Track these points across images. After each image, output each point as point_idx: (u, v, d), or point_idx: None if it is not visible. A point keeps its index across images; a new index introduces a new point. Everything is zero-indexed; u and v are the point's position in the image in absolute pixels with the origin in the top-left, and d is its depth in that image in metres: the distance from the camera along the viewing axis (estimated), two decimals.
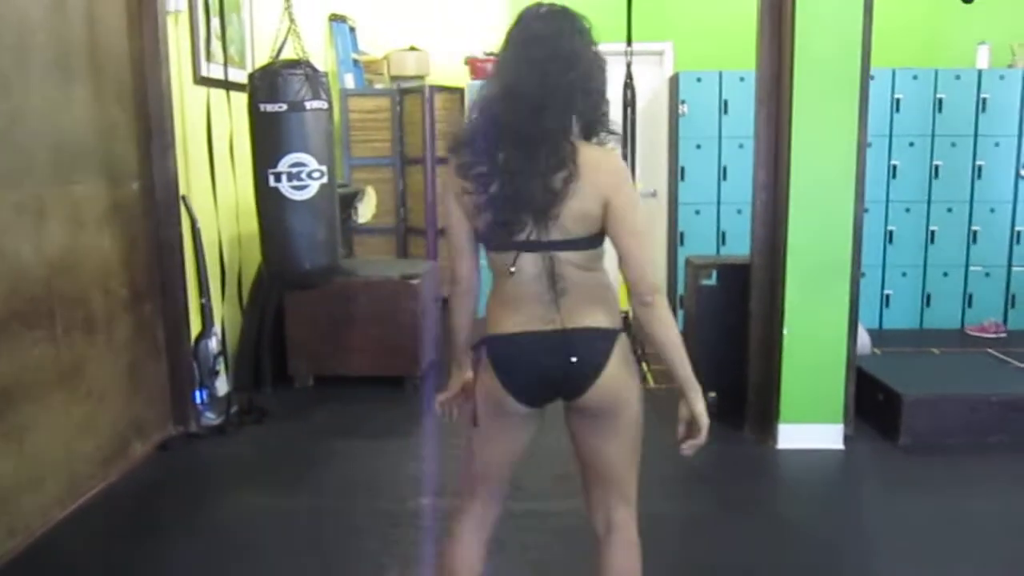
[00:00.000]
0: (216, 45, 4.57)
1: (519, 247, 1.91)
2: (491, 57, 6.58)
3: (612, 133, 1.94)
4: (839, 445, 3.95)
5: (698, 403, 1.94)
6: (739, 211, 5.84)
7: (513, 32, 1.93)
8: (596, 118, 1.91)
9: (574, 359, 1.91)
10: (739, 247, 4.21)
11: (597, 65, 1.92)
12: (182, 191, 4.18)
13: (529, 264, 1.92)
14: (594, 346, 1.93)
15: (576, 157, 1.84)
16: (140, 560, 3.02)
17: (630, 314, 2.04)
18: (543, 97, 1.83)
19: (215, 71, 4.52)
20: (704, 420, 1.95)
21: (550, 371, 1.94)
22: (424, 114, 6.57)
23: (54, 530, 3.20)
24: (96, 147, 3.61)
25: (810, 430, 3.94)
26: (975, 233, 6.20)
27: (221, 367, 4.51)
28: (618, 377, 1.95)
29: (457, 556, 2.17)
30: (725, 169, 6.11)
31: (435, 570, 2.24)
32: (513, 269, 1.92)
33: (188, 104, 4.34)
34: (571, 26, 1.90)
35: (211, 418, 4.28)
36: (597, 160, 1.87)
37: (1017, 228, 6.18)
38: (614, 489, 2.09)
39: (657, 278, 1.93)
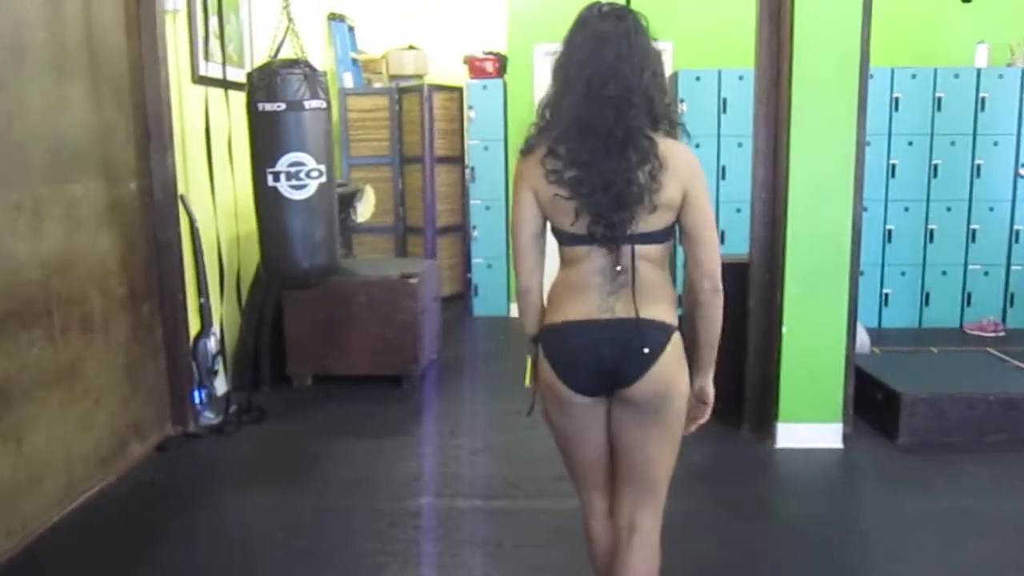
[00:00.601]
0: (214, 44, 4.56)
1: (598, 242, 1.95)
2: (490, 56, 6.59)
3: (678, 124, 2.00)
4: (838, 444, 3.95)
5: (710, 382, 2.09)
6: (738, 210, 5.83)
7: (576, 33, 1.96)
8: (665, 112, 1.96)
9: (637, 342, 1.93)
10: (738, 246, 4.21)
11: (659, 60, 1.99)
12: (180, 191, 4.18)
13: (600, 257, 1.97)
14: (650, 336, 1.94)
15: (657, 151, 1.90)
16: (138, 561, 3.01)
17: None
18: (627, 97, 1.89)
19: (213, 70, 4.51)
20: (712, 396, 2.09)
21: (604, 356, 1.95)
22: (423, 113, 6.56)
23: (52, 530, 3.20)
24: (93, 147, 3.61)
25: (809, 429, 3.94)
26: (974, 232, 6.20)
27: (220, 367, 4.51)
28: (670, 370, 1.97)
29: (605, 555, 2.20)
30: (724, 168, 6.10)
31: (595, 567, 2.27)
32: (585, 265, 1.98)
33: (186, 103, 4.33)
34: (635, 24, 1.95)
35: (210, 418, 4.27)
36: (674, 151, 1.93)
37: (1016, 227, 6.18)
38: (646, 490, 2.09)
39: None
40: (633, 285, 1.94)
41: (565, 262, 2.04)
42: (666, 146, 1.92)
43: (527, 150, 1.99)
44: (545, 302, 2.08)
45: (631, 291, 1.94)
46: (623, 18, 1.94)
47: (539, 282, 2.07)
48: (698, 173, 1.96)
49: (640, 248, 1.94)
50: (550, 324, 2.02)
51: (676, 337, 1.99)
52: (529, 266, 2.04)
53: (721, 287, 1.99)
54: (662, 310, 1.97)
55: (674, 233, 2.01)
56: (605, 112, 1.88)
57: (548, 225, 2.05)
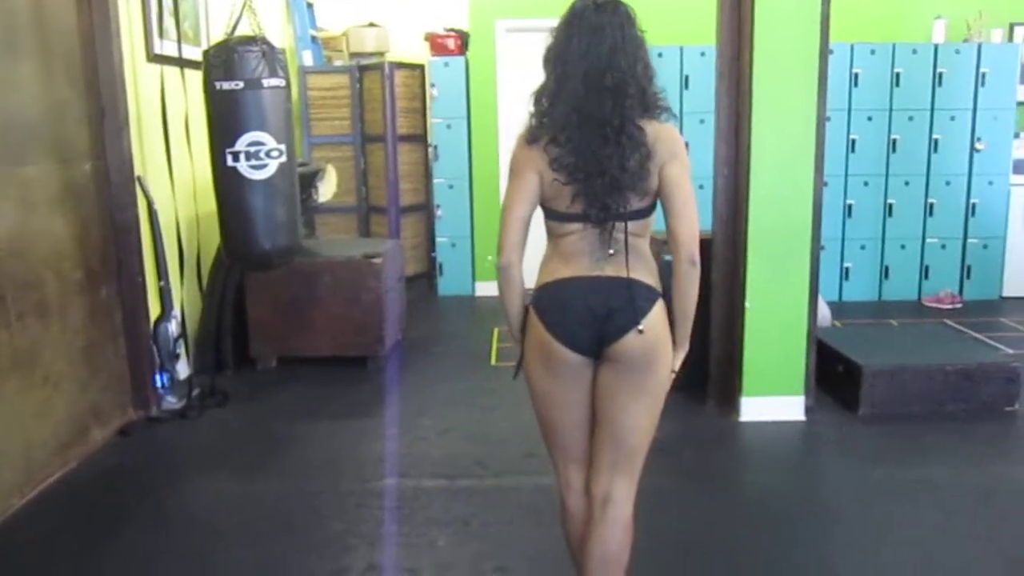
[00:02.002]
0: (169, 21, 4.46)
1: (588, 220, 2.02)
2: (452, 33, 6.52)
3: (666, 110, 2.06)
4: (800, 417, 4.00)
5: (680, 357, 2.15)
6: (701, 186, 5.76)
7: (570, 23, 2.02)
8: (655, 101, 2.04)
9: (626, 294, 1.99)
10: (701, 222, 4.22)
11: (647, 50, 2.06)
12: (137, 171, 4.10)
13: (590, 231, 2.03)
14: (638, 292, 2.02)
15: (646, 139, 1.98)
16: (101, 548, 2.98)
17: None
18: (623, 88, 1.97)
19: (169, 48, 4.42)
20: (676, 369, 2.15)
21: (594, 304, 2.01)
22: (384, 91, 6.49)
23: (11, 519, 3.14)
24: (45, 127, 3.52)
25: (772, 402, 3.99)
26: (931, 206, 6.30)
27: (182, 350, 4.45)
28: (658, 328, 2.04)
29: (579, 530, 2.21)
30: (687, 144, 6.10)
31: (569, 543, 2.29)
32: (575, 236, 2.04)
33: (141, 82, 4.24)
34: (627, 16, 2.03)
35: (172, 402, 4.22)
36: (657, 132, 2.01)
37: (972, 200, 6.29)
38: (625, 460, 2.13)
39: None
40: (626, 253, 2.01)
41: (554, 236, 2.11)
42: (655, 132, 2.00)
43: (532, 139, 2.05)
44: (536, 275, 2.13)
45: (623, 257, 2.01)
46: (616, 10, 2.02)
47: (520, 258, 2.10)
48: (677, 151, 2.03)
49: (629, 224, 2.02)
50: (542, 285, 2.09)
51: (662, 303, 2.06)
52: (514, 241, 2.08)
53: (698, 260, 2.05)
54: (648, 276, 2.06)
55: (656, 206, 2.08)
56: (603, 102, 1.96)
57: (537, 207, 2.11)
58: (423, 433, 3.96)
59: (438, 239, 6.81)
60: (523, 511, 3.17)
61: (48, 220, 3.51)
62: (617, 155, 1.96)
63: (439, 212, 6.74)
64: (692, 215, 2.03)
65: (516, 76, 6.48)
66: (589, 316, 2.00)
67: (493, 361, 4.99)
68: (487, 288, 6.68)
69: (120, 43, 3.91)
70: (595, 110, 1.96)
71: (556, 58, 2.03)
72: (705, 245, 4.04)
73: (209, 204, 4.18)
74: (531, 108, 2.07)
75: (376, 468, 3.59)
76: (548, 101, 2.03)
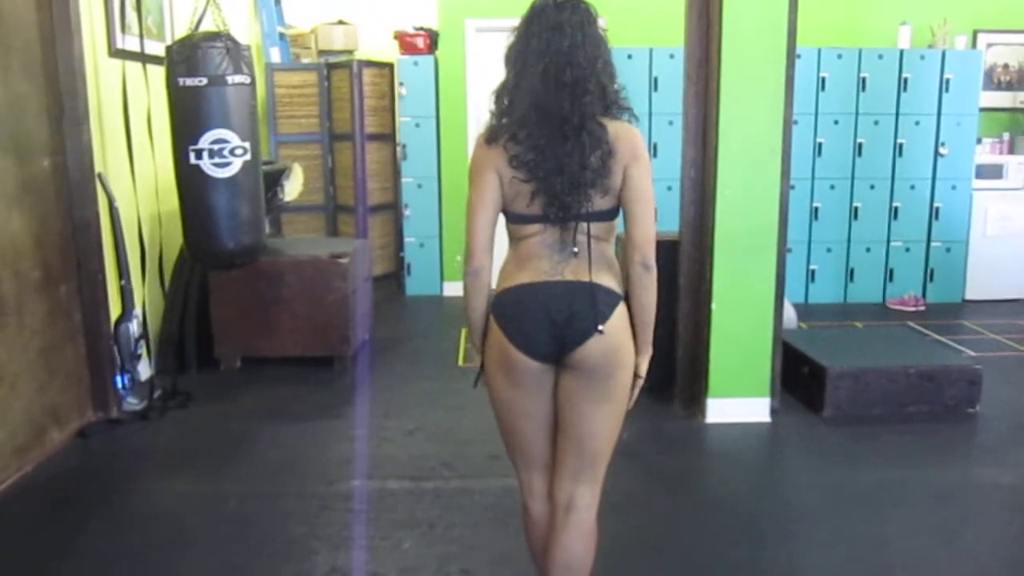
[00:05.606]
0: (132, 16, 4.39)
1: (548, 220, 2.01)
2: (421, 32, 6.49)
3: (627, 109, 2.05)
4: (766, 418, 4.02)
5: (645, 362, 2.12)
6: (669, 188, 5.86)
7: (531, 22, 2.02)
8: (615, 99, 2.03)
9: (588, 298, 1.98)
10: (668, 223, 4.25)
11: (609, 50, 2.05)
12: (98, 168, 4.02)
13: (551, 234, 2.03)
14: (599, 297, 2.00)
15: (607, 137, 1.97)
16: (60, 552, 2.91)
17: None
18: (582, 84, 1.96)
19: (131, 43, 4.34)
20: (642, 375, 2.13)
21: (554, 310, 1.98)
22: (353, 89, 6.45)
23: None
24: (2, 122, 3.44)
25: (738, 404, 4.00)
26: (896, 209, 6.37)
27: (143, 350, 4.38)
28: (620, 332, 2.02)
29: (542, 536, 2.20)
30: (655, 146, 6.14)
31: (532, 548, 2.27)
32: (536, 239, 2.03)
33: (103, 78, 4.16)
34: (587, 15, 2.02)
35: (133, 403, 4.15)
36: (621, 135, 2.00)
37: (935, 204, 6.37)
38: (588, 466, 2.11)
39: None
40: (589, 255, 2.00)
41: (515, 239, 2.09)
42: (615, 131, 1.99)
43: (491, 138, 2.03)
44: (495, 281, 2.11)
45: (585, 259, 2.00)
46: (576, 9, 2.01)
47: (490, 261, 2.08)
48: (639, 153, 2.01)
49: (592, 226, 2.01)
50: (501, 291, 2.06)
51: (623, 307, 2.04)
52: (484, 246, 2.06)
53: (653, 265, 2.03)
54: (610, 279, 2.04)
55: (619, 209, 2.06)
56: (561, 98, 1.95)
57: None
58: (389, 434, 3.92)
59: (406, 239, 6.77)
60: (489, 513, 3.15)
61: (5, 217, 3.43)
62: (577, 152, 1.95)
63: (407, 212, 6.70)
64: (651, 219, 2.03)
65: (485, 75, 6.46)
66: (548, 322, 1.98)
67: (460, 362, 4.97)
68: (455, 288, 6.65)
69: (81, 37, 3.84)
70: (554, 106, 1.95)
71: (516, 56, 2.02)
72: (672, 246, 4.09)
73: (172, 202, 4.12)
74: (491, 107, 2.06)
75: (341, 470, 3.56)
76: (508, 98, 2.02)
